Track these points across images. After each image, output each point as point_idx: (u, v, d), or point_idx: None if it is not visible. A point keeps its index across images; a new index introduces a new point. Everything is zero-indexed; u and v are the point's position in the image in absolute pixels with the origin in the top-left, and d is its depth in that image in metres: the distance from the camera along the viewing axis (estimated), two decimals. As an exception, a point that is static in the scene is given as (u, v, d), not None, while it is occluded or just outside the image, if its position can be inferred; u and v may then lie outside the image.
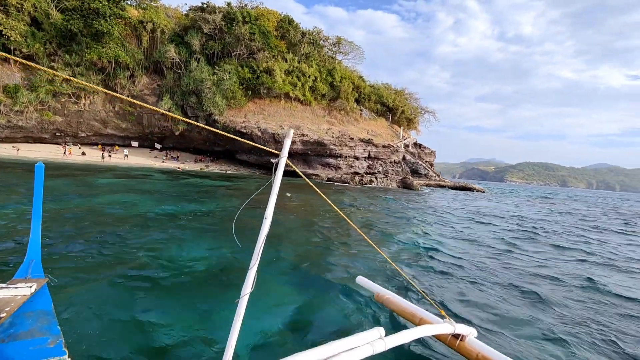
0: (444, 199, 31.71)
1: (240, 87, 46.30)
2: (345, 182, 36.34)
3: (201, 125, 2.41)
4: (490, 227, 15.88)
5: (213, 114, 43.83)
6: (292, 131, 2.07)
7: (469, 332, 2.66)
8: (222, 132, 2.25)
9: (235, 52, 48.28)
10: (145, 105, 2.08)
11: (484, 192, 46.22)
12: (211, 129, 2.37)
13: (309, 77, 51.61)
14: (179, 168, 39.12)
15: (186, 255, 7.51)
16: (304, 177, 2.23)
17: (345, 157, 44.12)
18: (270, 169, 44.93)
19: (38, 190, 3.11)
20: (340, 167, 44.09)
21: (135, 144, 47.88)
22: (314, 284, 6.26)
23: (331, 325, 4.63)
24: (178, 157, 48.05)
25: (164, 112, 2.48)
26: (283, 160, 1.95)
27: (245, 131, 43.25)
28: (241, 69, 47.09)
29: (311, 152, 43.36)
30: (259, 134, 43.05)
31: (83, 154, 39.05)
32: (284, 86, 48.24)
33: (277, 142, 43.34)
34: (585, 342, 4.78)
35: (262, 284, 5.31)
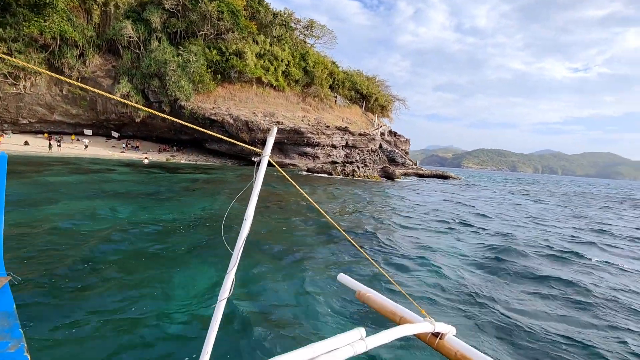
0: (432, 189, 31.12)
1: (209, 70, 42.64)
2: (328, 173, 34.60)
3: (166, 116, 1.97)
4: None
5: (179, 99, 40.00)
6: (275, 128, 1.86)
7: (449, 331, 2.62)
8: (193, 126, 1.76)
9: (201, 32, 44.24)
10: (95, 90, 1.47)
11: (460, 179, 46.80)
12: (180, 121, 1.77)
13: (281, 61, 48.79)
14: (145, 160, 35.26)
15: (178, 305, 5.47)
16: (296, 186, 2.15)
17: (323, 145, 42.35)
18: (243, 158, 42.18)
19: (1, 182, 2.82)
20: (318, 157, 42.28)
21: (88, 132, 42.80)
22: (294, 282, 6.25)
23: (312, 324, 4.61)
24: (139, 146, 43.73)
25: (119, 99, 1.67)
26: (265, 159, 1.71)
27: (215, 118, 40.01)
28: (208, 50, 43.30)
29: (287, 141, 41.12)
30: (231, 121, 40.02)
31: (26, 143, 33.99)
32: (256, 70, 45.15)
33: (251, 130, 40.59)
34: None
35: (240, 283, 5.56)
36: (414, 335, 2.47)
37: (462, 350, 2.37)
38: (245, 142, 41.06)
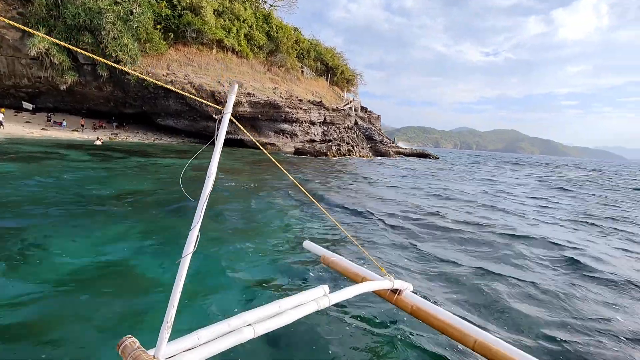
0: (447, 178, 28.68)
1: (157, 26, 34.30)
2: (321, 154, 29.99)
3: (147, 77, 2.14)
4: None
5: (121, 61, 31.46)
6: (236, 86, 1.78)
7: (406, 287, 2.91)
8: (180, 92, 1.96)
9: (143, -23, 35.12)
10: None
11: (437, 158, 46.07)
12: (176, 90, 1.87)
13: (243, 22, 41.77)
14: (97, 141, 26.86)
15: None
16: (280, 166, 2.25)
17: (302, 122, 37.51)
18: (207, 137, 35.45)
19: None
20: (296, 134, 37.40)
21: (-13, 102, 32.04)
22: (261, 250, 5.82)
23: (279, 288, 4.40)
24: (83, 124, 34.23)
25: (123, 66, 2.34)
26: (227, 117, 1.72)
27: (173, 87, 32.45)
28: (155, 2, 34.72)
29: (262, 116, 35.42)
30: (193, 91, 32.86)
31: None
32: (216, 31, 37.77)
33: (218, 102, 33.90)
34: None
35: (211, 251, 5.36)
36: (374, 291, 2.81)
37: (418, 304, 2.78)
38: (210, 118, 34.47)
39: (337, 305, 2.63)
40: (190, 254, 1.53)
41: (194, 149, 29.81)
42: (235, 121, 1.93)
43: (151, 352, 1.55)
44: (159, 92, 33.13)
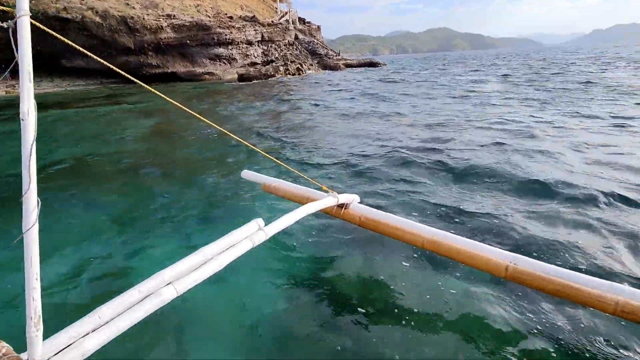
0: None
1: None
2: (268, 76, 27.05)
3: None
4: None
5: (-13, -13, 24.13)
6: None
7: (352, 200, 2.89)
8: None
9: None
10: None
11: (386, 65, 44.62)
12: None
13: None
14: None
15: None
16: (167, 98, 1.70)
17: (238, 43, 33.28)
18: (131, 74, 30.41)
19: None
20: (234, 58, 33.39)
21: None
22: (191, 189, 5.27)
23: (215, 229, 3.87)
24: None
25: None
26: (26, 22, 1.05)
27: (69, 16, 26.30)
28: None
29: (190, 42, 30.66)
30: (97, 19, 26.94)
31: None
32: None
33: (134, 31, 28.48)
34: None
35: (116, 206, 4.79)
36: (320, 210, 2.68)
37: (365, 214, 2.77)
38: (128, 51, 29.16)
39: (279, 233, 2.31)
40: (35, 227, 1.17)
41: (117, 92, 25.55)
42: (44, 27, 1.16)
43: (25, 355, 1.25)
44: (54, 24, 26.68)
